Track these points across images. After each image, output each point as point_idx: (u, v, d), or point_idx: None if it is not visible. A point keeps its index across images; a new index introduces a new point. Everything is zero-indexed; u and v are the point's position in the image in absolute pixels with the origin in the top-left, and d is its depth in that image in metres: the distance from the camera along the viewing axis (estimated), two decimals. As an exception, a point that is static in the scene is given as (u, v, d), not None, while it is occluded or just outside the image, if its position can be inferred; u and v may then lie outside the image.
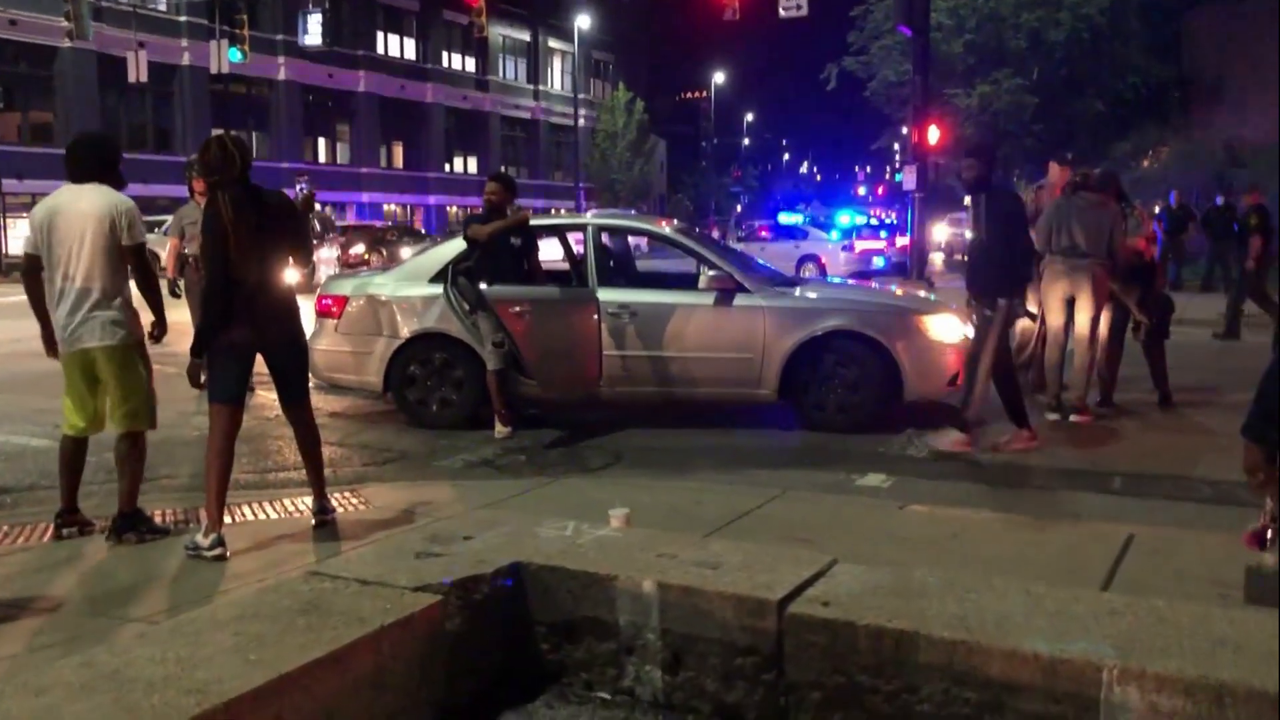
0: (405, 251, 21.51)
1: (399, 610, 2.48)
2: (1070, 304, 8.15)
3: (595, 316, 7.81)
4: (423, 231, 38.13)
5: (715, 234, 36.59)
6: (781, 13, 25.10)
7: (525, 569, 2.84)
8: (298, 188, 16.78)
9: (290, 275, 5.19)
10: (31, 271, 5.10)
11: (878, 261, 26.05)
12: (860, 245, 27.89)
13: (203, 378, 5.01)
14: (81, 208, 4.97)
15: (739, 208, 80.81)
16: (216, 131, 5.52)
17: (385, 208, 47.50)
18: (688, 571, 2.76)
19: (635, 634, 2.73)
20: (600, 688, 2.80)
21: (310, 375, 6.32)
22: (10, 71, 31.92)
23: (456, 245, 8.13)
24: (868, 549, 4.70)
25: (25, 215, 33.07)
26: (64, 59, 33.12)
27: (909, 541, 4.90)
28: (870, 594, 2.63)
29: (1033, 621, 2.46)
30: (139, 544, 4.99)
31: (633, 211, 27.70)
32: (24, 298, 5.33)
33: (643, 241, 14.73)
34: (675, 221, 9.85)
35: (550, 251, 9.26)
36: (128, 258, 5.05)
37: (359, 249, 29.79)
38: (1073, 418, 8.08)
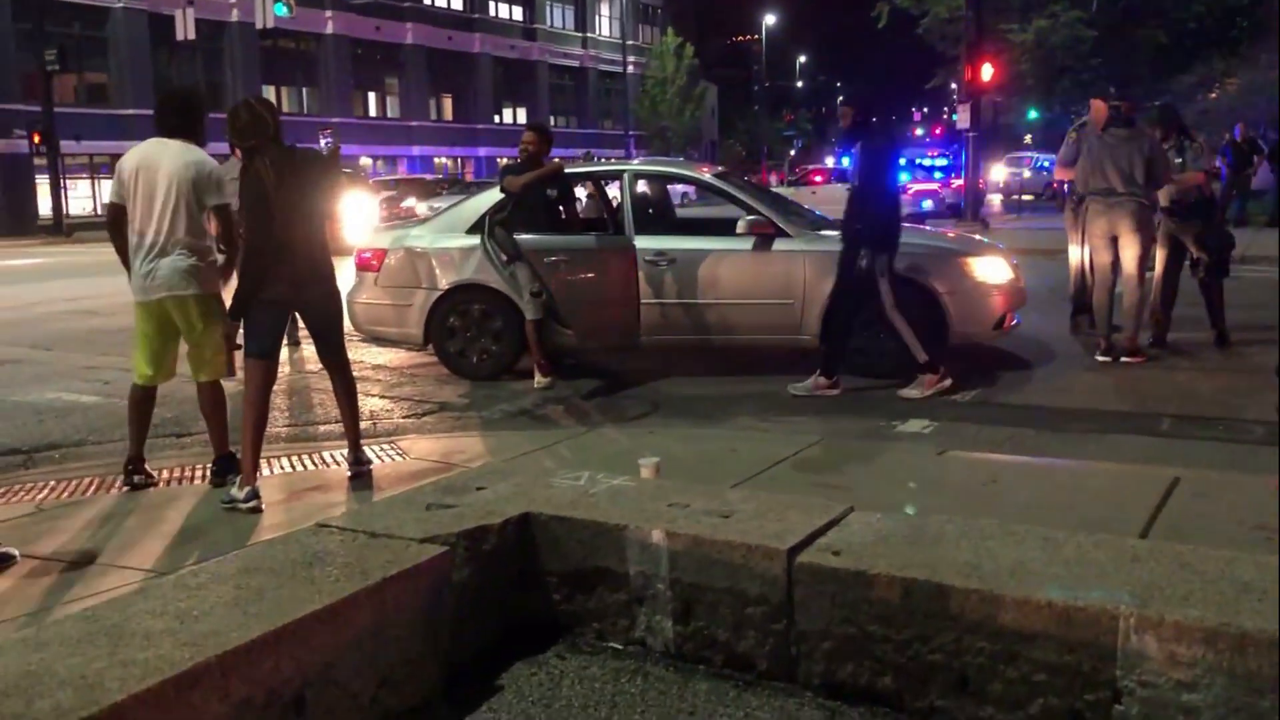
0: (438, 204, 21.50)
1: (403, 562, 2.46)
2: (1114, 243, 7.93)
3: (632, 265, 7.74)
4: (470, 182, 38.12)
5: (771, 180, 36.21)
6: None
7: (535, 519, 2.82)
8: (322, 143, 16.83)
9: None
10: (116, 221, 5.18)
11: (926, 204, 25.59)
12: (914, 188, 27.38)
13: (238, 340, 5.08)
14: (170, 161, 5.04)
15: (793, 152, 79.84)
16: (265, 94, 5.52)
17: (436, 160, 47.57)
18: (698, 521, 2.71)
19: (645, 584, 2.70)
20: (612, 638, 2.78)
21: (351, 328, 6.41)
22: (64, 34, 32.24)
23: (492, 196, 8.07)
24: (900, 496, 4.63)
25: (83, 176, 33.68)
26: (116, 19, 33.45)
27: (944, 487, 4.81)
28: (883, 542, 2.57)
29: (1049, 569, 2.38)
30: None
31: (680, 159, 27.43)
32: (80, 257, 5.43)
33: (691, 189, 14.60)
34: (715, 167, 9.71)
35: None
36: (212, 215, 5.15)
37: (410, 202, 29.92)
38: (1124, 358, 7.89)
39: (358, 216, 17.00)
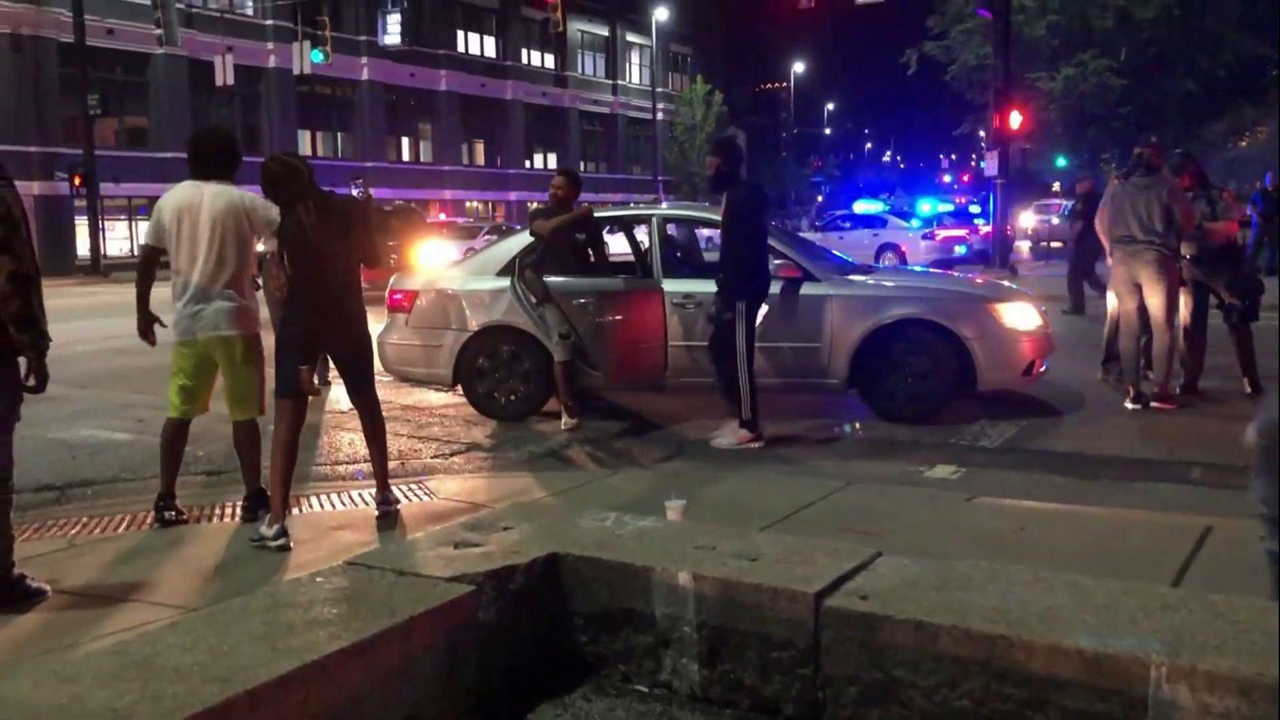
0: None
1: (430, 600, 2.47)
2: (1138, 290, 7.90)
3: (660, 307, 7.78)
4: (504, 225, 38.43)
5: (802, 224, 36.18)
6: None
7: (562, 560, 2.83)
8: (354, 190, 17.02)
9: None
10: (149, 262, 5.32)
11: (959, 250, 25.48)
12: (942, 233, 27.36)
13: (315, 382, 5.19)
14: (210, 204, 5.14)
15: (820, 197, 79.99)
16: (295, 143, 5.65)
17: (467, 204, 48.02)
18: (725, 564, 2.71)
19: (672, 626, 2.70)
20: (638, 680, 2.77)
21: (381, 368, 6.46)
22: (107, 78, 32.93)
23: (522, 239, 8.15)
24: (929, 542, 4.60)
25: (121, 218, 34.22)
26: (156, 65, 34.09)
27: (973, 535, 4.78)
28: (910, 587, 2.56)
29: (1079, 615, 2.36)
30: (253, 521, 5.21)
31: (706, 204, 27.52)
32: (117, 297, 5.54)
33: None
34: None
35: (618, 245, 9.26)
36: (252, 254, 5.28)
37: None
38: (1154, 404, 7.83)
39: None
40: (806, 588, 2.54)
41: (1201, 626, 2.31)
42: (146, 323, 5.34)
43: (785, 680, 2.56)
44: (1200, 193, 8.36)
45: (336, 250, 5.02)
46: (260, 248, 9.09)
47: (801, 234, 24.64)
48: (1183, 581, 4.02)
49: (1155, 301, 7.82)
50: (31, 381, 4.18)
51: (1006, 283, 12.68)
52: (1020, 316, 7.77)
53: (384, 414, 5.57)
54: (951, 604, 2.45)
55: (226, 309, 5.18)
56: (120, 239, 34.05)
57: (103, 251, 31.34)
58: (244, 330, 5.25)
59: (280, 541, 4.86)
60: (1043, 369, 7.85)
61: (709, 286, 7.87)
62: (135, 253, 31.14)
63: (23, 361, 4.16)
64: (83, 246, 31.73)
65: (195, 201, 5.16)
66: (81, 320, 15.51)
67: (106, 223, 32.50)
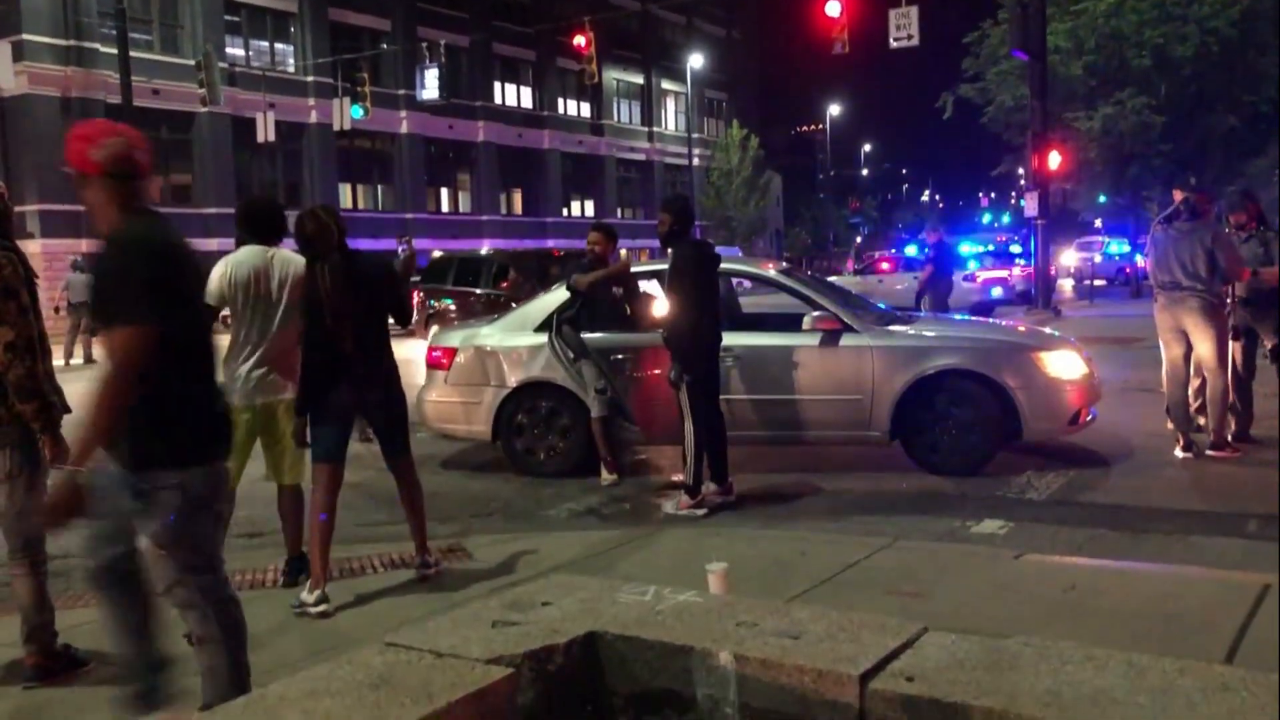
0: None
1: (468, 685, 2.44)
2: (1183, 336, 7.77)
3: (698, 361, 7.74)
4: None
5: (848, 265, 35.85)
6: (893, 44, 24.77)
7: (601, 639, 2.78)
8: (399, 250, 17.21)
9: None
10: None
11: (995, 292, 25.08)
12: (982, 275, 27.13)
13: (305, 437, 5.15)
14: (276, 267, 5.19)
15: (859, 239, 79.91)
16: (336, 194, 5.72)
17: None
18: (767, 642, 2.65)
19: (714, 707, 2.64)
20: (679, 762, 2.71)
21: (419, 425, 6.44)
22: (153, 137, 33.66)
23: (560, 295, 8.17)
24: (976, 604, 4.51)
25: (167, 273, 34.76)
26: (200, 123, 34.83)
27: (1022, 595, 4.67)
28: (958, 667, 2.49)
29: (1133, 698, 2.28)
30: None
31: (738, 251, 27.38)
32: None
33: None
34: (780, 263, 9.76)
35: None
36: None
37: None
38: (1210, 453, 7.67)
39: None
40: (851, 669, 2.48)
41: (1263, 712, 2.22)
42: None
43: (831, 764, 2.49)
44: (1256, 233, 8.21)
45: (353, 312, 4.98)
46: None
47: (843, 273, 24.37)
48: (1240, 646, 3.90)
49: (1204, 348, 7.69)
50: (48, 454, 4.05)
51: (1049, 329, 12.55)
52: (1065, 364, 7.67)
53: (423, 470, 5.56)
54: (1001, 685, 2.38)
55: (281, 373, 5.21)
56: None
57: (149, 306, 31.81)
58: (293, 394, 5.23)
59: (321, 608, 4.86)
60: (1090, 417, 7.73)
61: (747, 339, 7.87)
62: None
63: None
64: (130, 302, 32.23)
65: (261, 264, 5.19)
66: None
67: (152, 278, 33.01)
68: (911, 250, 32.88)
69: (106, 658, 4.32)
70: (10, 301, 3.98)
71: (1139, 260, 35.17)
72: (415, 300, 18.70)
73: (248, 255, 5.25)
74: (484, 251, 26.85)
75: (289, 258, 5.25)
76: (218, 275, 5.16)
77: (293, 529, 5.41)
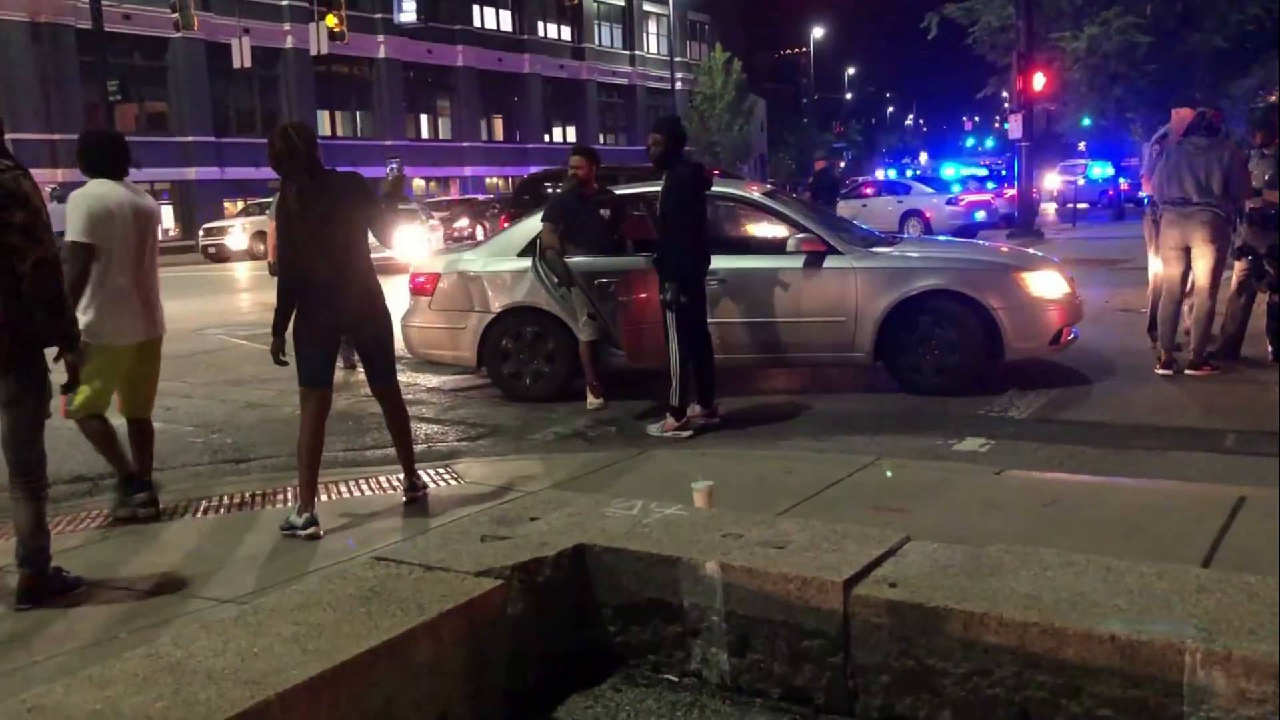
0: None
1: (459, 596, 2.48)
2: (1187, 254, 7.77)
3: (683, 285, 7.72)
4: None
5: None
6: (877, -38, 24.38)
7: (589, 551, 2.82)
8: (388, 169, 16.90)
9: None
10: (90, 261, 4.95)
11: (979, 215, 25.15)
12: (966, 199, 27.05)
13: (282, 355, 5.11)
14: (139, 203, 5.14)
15: (842, 164, 79.37)
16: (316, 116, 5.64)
17: (487, 180, 47.98)
18: (753, 552, 2.70)
19: (700, 616, 2.69)
20: (667, 670, 2.77)
21: (405, 351, 6.42)
22: (126, 64, 33.01)
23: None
24: (959, 518, 4.57)
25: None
26: (174, 49, 34.15)
27: (1003, 509, 4.74)
28: (940, 573, 2.54)
29: (1112, 601, 2.34)
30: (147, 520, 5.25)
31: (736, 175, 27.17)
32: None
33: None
34: (764, 185, 9.70)
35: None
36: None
37: (463, 223, 30.25)
38: (1187, 371, 7.74)
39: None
40: (835, 576, 2.53)
41: (1236, 610, 2.28)
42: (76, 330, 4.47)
43: (816, 669, 2.55)
44: (1274, 152, 8.16)
45: (326, 233, 4.89)
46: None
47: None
48: (1216, 555, 3.98)
49: (1202, 265, 7.70)
50: (64, 376, 4.12)
51: (1032, 249, 12.56)
52: (1047, 284, 7.69)
53: (409, 396, 5.56)
54: (983, 590, 2.43)
55: (156, 311, 5.29)
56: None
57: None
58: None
59: (310, 530, 4.88)
60: (1071, 336, 7.78)
61: (733, 262, 7.83)
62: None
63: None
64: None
65: (125, 201, 5.09)
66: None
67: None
68: (888, 174, 32.66)
69: (96, 579, 4.37)
70: (39, 220, 3.94)
71: (1122, 183, 35.16)
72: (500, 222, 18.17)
73: (102, 191, 5.02)
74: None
75: (146, 195, 5.25)
76: (84, 212, 4.91)
77: (146, 457, 5.42)
